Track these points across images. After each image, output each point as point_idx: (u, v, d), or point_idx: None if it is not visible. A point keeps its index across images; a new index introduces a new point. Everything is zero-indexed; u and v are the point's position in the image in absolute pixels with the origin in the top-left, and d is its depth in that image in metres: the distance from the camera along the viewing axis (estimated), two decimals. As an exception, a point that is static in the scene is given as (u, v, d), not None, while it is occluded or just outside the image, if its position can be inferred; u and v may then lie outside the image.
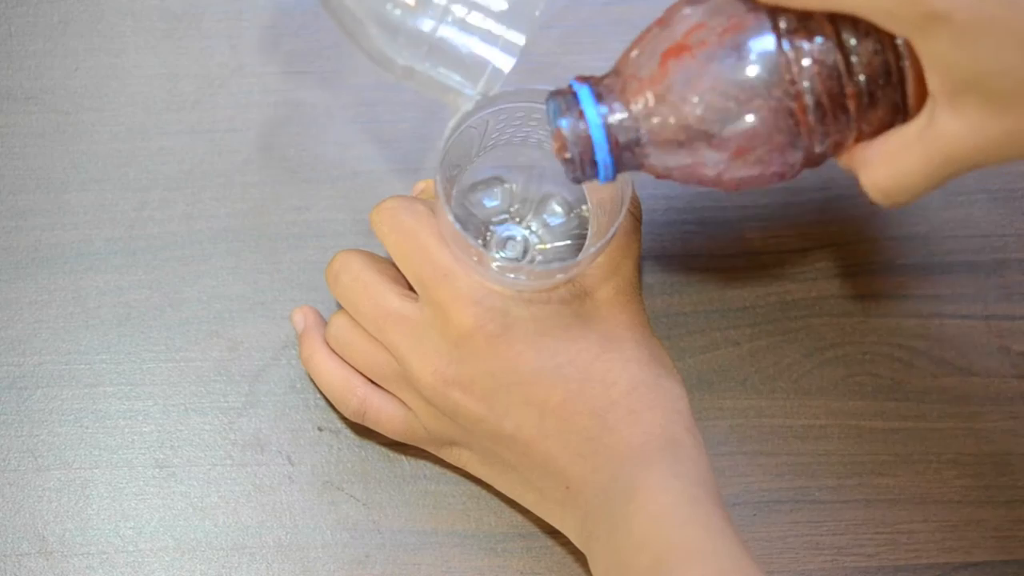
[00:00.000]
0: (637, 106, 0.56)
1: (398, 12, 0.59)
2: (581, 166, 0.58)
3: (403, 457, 0.71)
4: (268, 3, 0.77)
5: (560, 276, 0.64)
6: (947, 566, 0.71)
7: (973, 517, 0.72)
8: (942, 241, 0.75)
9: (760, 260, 0.75)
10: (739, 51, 0.54)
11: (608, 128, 0.57)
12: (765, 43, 0.54)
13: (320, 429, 0.71)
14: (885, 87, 0.54)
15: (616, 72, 0.57)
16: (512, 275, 0.63)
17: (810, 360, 0.73)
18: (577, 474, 0.64)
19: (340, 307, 0.69)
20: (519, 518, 0.70)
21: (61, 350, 0.72)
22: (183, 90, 0.76)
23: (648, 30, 0.57)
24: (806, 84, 0.54)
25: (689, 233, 0.75)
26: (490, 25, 0.60)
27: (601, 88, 0.57)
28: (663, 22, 0.56)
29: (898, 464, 0.72)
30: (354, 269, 0.67)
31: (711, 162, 0.55)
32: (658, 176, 0.58)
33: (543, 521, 0.68)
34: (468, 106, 0.62)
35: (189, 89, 0.76)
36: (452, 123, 0.63)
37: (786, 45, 0.54)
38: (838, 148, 0.56)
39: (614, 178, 0.58)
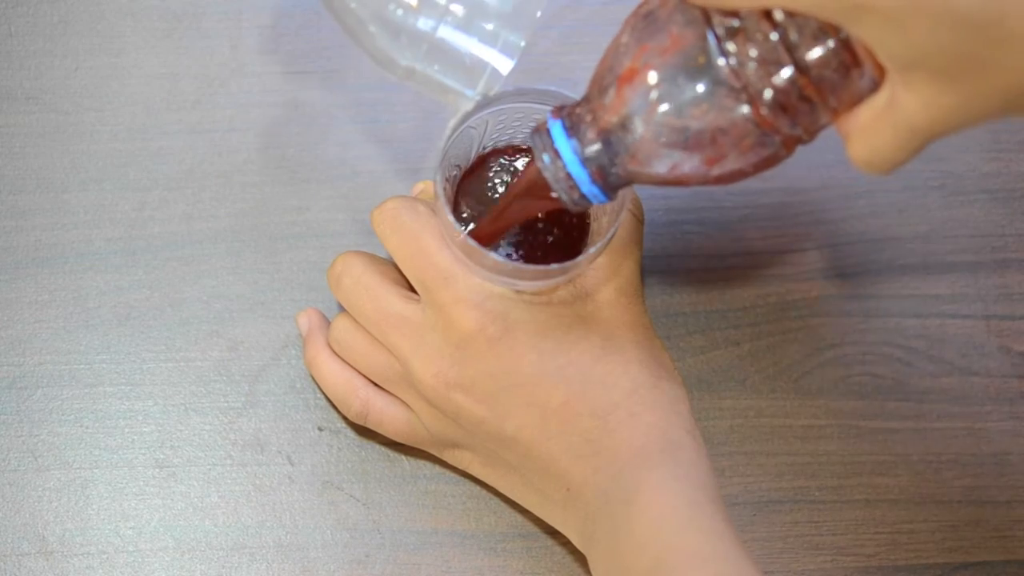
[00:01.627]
0: (607, 133, 0.56)
1: (400, 12, 0.59)
2: (571, 198, 0.58)
3: (403, 457, 0.71)
4: (268, 3, 0.77)
5: (560, 276, 0.64)
6: (947, 566, 0.71)
7: (973, 517, 0.72)
8: (942, 241, 0.75)
9: (760, 260, 0.75)
10: (684, 68, 0.54)
11: (585, 161, 0.57)
12: (707, 54, 0.54)
13: (320, 429, 0.71)
14: (840, 70, 0.54)
15: (587, 99, 0.57)
16: (512, 275, 0.63)
17: (810, 360, 0.73)
18: (578, 475, 0.64)
19: (342, 309, 0.69)
20: (519, 518, 0.70)
21: (61, 350, 0.72)
22: (183, 90, 0.76)
23: (607, 52, 0.57)
24: (757, 86, 0.53)
25: (689, 233, 0.75)
26: (490, 25, 0.60)
27: (573, 119, 0.57)
28: (616, 43, 0.56)
29: (898, 464, 0.72)
30: (356, 271, 0.67)
31: (691, 170, 0.55)
32: (654, 185, 0.58)
33: (543, 521, 0.68)
34: (468, 106, 0.62)
35: (189, 89, 0.76)
36: (452, 123, 0.63)
37: (729, 51, 0.53)
38: (815, 129, 0.56)
39: (610, 199, 0.59)
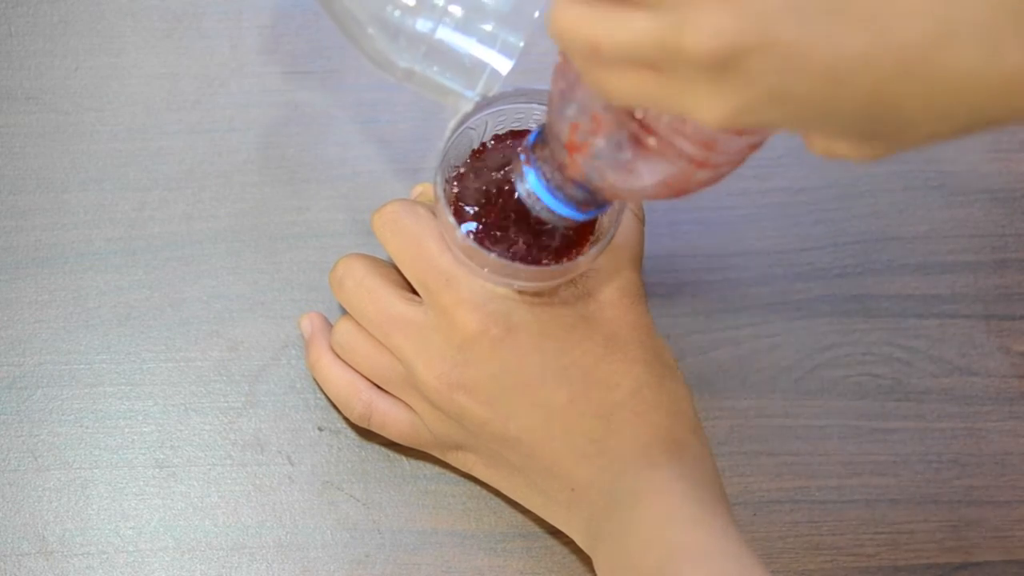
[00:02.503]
0: (571, 176, 0.59)
1: (398, 14, 0.59)
2: (551, 218, 0.61)
3: (403, 457, 0.71)
4: (268, 3, 0.77)
5: (561, 277, 0.64)
6: (947, 566, 0.71)
7: (973, 517, 0.72)
8: (942, 241, 0.75)
9: (760, 260, 0.75)
10: (615, 144, 0.55)
11: (554, 192, 0.60)
12: (625, 131, 0.55)
13: (320, 429, 0.72)
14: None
15: (547, 138, 0.59)
16: (513, 276, 0.63)
17: (810, 360, 0.73)
18: (582, 476, 0.64)
19: (344, 311, 0.69)
20: (519, 518, 0.70)
21: (61, 350, 0.72)
22: (183, 90, 0.76)
23: (548, 108, 0.58)
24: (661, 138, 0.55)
25: (689, 233, 0.75)
26: (488, 26, 0.60)
27: (538, 155, 0.60)
28: (551, 107, 0.58)
29: (898, 464, 0.72)
30: (358, 274, 0.67)
31: (659, 197, 0.57)
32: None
33: (543, 521, 0.68)
34: (467, 107, 0.62)
35: (189, 89, 0.76)
36: (451, 124, 0.63)
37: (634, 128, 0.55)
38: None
39: (594, 215, 0.62)
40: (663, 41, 0.45)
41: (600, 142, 0.55)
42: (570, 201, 0.61)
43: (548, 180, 0.60)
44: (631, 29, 0.46)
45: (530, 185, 0.61)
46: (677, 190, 0.56)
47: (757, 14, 0.44)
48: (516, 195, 0.65)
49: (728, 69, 0.44)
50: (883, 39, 0.43)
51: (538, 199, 0.61)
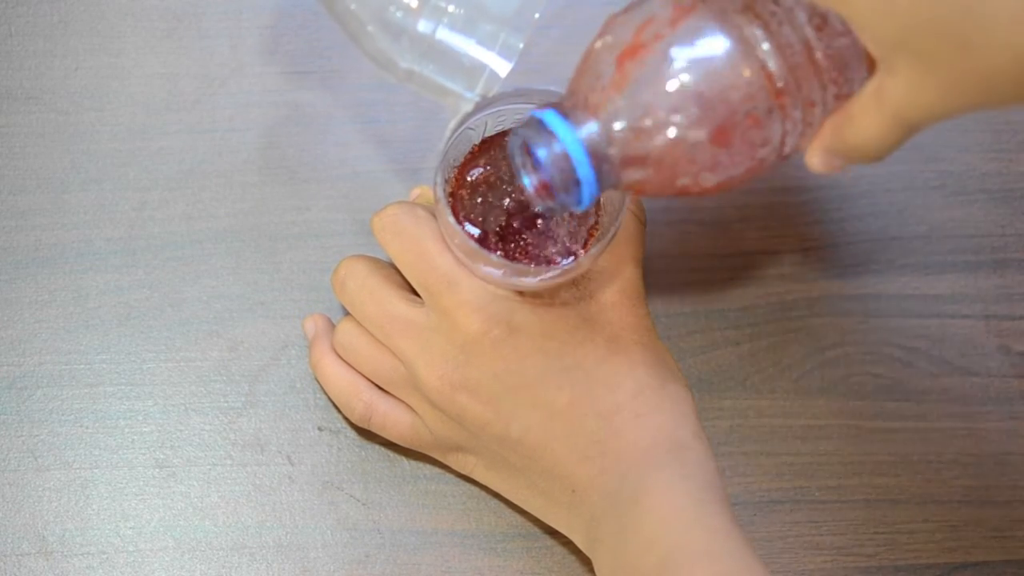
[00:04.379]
0: (606, 113, 0.55)
1: (399, 14, 0.60)
2: (565, 187, 0.56)
3: (403, 457, 0.71)
4: (268, 3, 0.77)
5: (562, 277, 0.64)
6: (947, 566, 0.71)
7: (973, 517, 0.72)
8: (942, 241, 0.75)
9: (760, 260, 0.75)
10: (696, 34, 0.54)
11: (584, 142, 0.56)
12: (720, 22, 0.54)
13: (320, 429, 0.72)
14: (845, 49, 0.54)
15: (571, 93, 0.57)
16: (513, 276, 0.63)
17: (810, 360, 0.73)
18: (584, 477, 0.64)
19: (346, 312, 0.69)
20: (519, 518, 0.70)
21: (61, 350, 0.72)
22: (183, 90, 0.76)
23: (588, 51, 0.56)
24: (771, 60, 0.54)
25: (689, 233, 0.75)
26: (489, 27, 0.60)
27: (564, 110, 0.56)
28: (604, 35, 0.56)
29: (898, 464, 0.72)
30: (360, 275, 0.67)
31: (688, 156, 0.55)
32: (638, 190, 0.57)
33: (543, 521, 0.68)
34: (467, 107, 0.62)
35: (189, 89, 0.76)
36: (451, 125, 0.63)
37: (739, 21, 0.54)
38: (812, 121, 0.56)
39: (593, 199, 0.57)
40: None
41: (671, 38, 0.54)
42: (588, 149, 0.55)
43: (568, 117, 0.56)
44: None
45: (549, 123, 0.56)
46: (720, 129, 0.54)
47: None
48: (510, 195, 0.65)
49: None
50: None
51: (554, 141, 0.56)
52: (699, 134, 0.55)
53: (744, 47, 0.54)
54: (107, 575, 0.69)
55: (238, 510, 0.70)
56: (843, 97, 0.56)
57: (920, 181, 0.76)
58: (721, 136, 0.55)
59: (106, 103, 0.75)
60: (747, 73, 0.54)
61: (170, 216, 0.74)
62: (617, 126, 0.55)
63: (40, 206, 0.74)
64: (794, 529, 0.71)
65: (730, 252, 0.75)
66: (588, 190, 0.57)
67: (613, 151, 0.56)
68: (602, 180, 0.57)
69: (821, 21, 0.55)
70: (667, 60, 0.54)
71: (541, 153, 0.56)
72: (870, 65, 0.55)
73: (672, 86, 0.54)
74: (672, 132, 0.55)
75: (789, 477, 0.72)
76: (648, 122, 0.55)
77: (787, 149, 0.57)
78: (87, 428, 0.71)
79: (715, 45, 0.54)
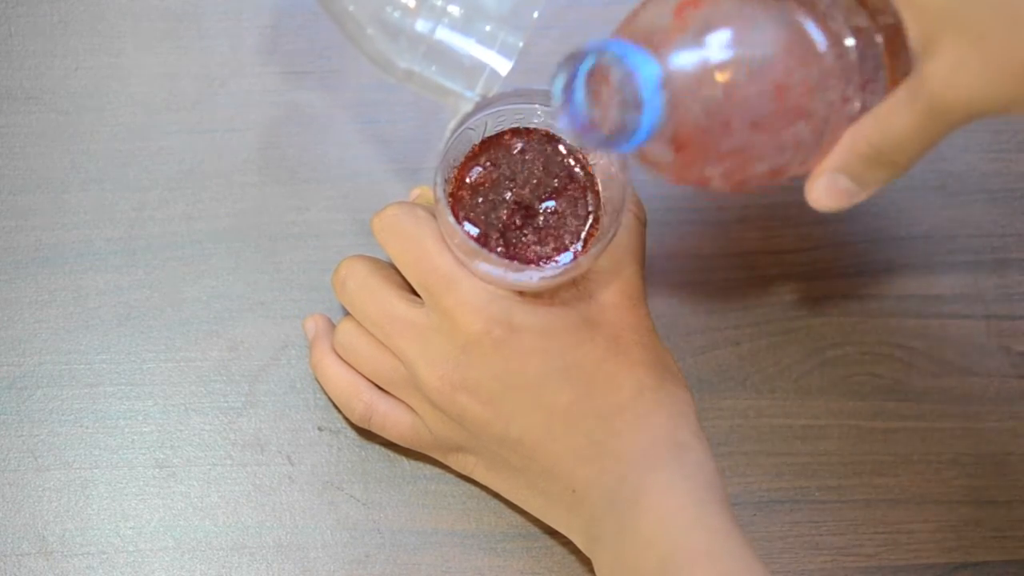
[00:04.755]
0: (667, 53, 0.54)
1: (397, 14, 0.60)
2: (626, 108, 0.53)
3: (403, 457, 0.71)
4: (268, 3, 0.77)
5: (562, 277, 0.64)
6: (947, 566, 0.71)
7: (973, 517, 0.72)
8: (942, 241, 0.75)
9: (760, 260, 0.75)
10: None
11: (658, 71, 0.53)
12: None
13: (320, 429, 0.72)
14: (899, 37, 0.54)
15: (629, 35, 0.55)
16: (514, 275, 0.63)
17: (810, 360, 0.73)
18: (584, 477, 0.64)
19: (347, 313, 0.69)
20: (519, 518, 0.70)
21: (61, 350, 0.72)
22: (183, 90, 0.76)
23: (636, 10, 0.55)
24: (839, 29, 0.53)
25: (689, 233, 0.75)
26: (488, 27, 0.60)
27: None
28: None
29: (898, 464, 0.72)
30: (360, 275, 0.67)
31: (740, 112, 0.54)
32: (672, 162, 0.56)
33: (543, 521, 0.68)
34: (467, 107, 0.62)
35: (189, 89, 0.76)
36: (451, 124, 0.63)
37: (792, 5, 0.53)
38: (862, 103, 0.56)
39: (651, 131, 0.54)
40: None
41: None
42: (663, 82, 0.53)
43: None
44: None
45: (617, 48, 0.53)
46: (778, 85, 0.53)
47: None
48: (510, 195, 0.65)
49: None
50: None
51: (624, 64, 0.53)
52: (754, 87, 0.53)
53: (798, 28, 0.54)
54: (107, 575, 0.69)
55: (238, 510, 0.70)
56: (855, 116, 0.55)
57: (920, 181, 0.76)
58: (779, 94, 0.54)
59: (106, 103, 0.75)
60: (807, 43, 0.53)
61: (170, 216, 0.74)
62: (681, 66, 0.54)
63: (40, 206, 0.74)
64: (794, 529, 0.71)
65: (730, 252, 0.75)
66: (650, 118, 0.54)
67: (670, 93, 0.54)
68: (657, 122, 0.54)
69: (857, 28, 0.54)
70: (728, 8, 0.54)
71: (616, 68, 0.53)
72: (891, 82, 0.54)
73: (734, 40, 0.53)
74: (730, 90, 0.54)
75: (789, 477, 0.72)
76: (707, 70, 0.54)
77: (810, 154, 0.56)
78: (87, 428, 0.71)
79: (773, 15, 0.54)
